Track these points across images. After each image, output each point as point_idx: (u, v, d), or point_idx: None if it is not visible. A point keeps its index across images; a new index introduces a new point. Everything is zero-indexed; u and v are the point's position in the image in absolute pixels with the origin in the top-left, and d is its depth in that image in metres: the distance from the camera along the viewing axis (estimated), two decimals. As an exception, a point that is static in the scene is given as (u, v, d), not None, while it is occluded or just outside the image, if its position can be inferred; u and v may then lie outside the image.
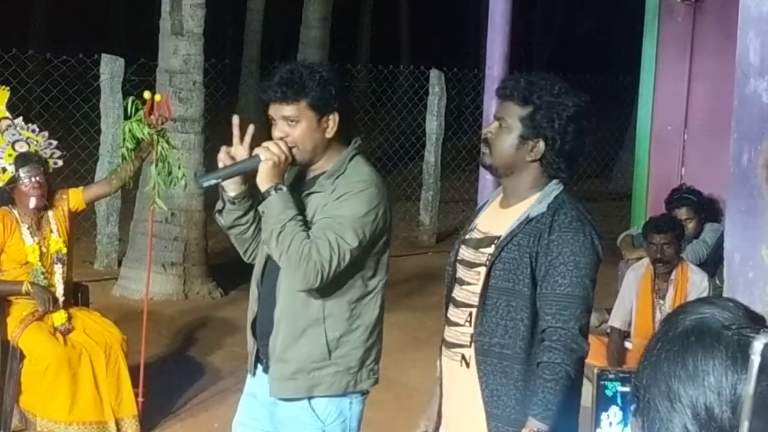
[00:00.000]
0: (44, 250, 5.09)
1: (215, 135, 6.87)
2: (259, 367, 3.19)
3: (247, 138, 3.08)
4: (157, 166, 5.15)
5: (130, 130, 5.10)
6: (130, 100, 5.15)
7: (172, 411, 5.53)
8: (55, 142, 5.34)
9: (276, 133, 3.03)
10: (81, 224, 6.89)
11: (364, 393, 3.15)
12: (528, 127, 2.79)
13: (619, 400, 3.02)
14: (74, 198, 5.22)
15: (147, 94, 5.11)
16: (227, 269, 7.95)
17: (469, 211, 5.66)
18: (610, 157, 13.88)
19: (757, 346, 1.18)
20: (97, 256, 8.77)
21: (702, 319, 1.27)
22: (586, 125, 2.83)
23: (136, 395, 5.13)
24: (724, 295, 2.52)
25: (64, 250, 5.15)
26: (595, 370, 3.13)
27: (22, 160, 5.06)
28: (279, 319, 3.05)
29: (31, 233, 5.08)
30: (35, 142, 5.21)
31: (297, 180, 3.15)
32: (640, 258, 5.89)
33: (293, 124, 3.01)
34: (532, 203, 2.80)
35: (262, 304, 3.15)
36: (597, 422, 3.03)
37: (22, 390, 5.00)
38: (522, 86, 2.80)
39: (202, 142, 8.07)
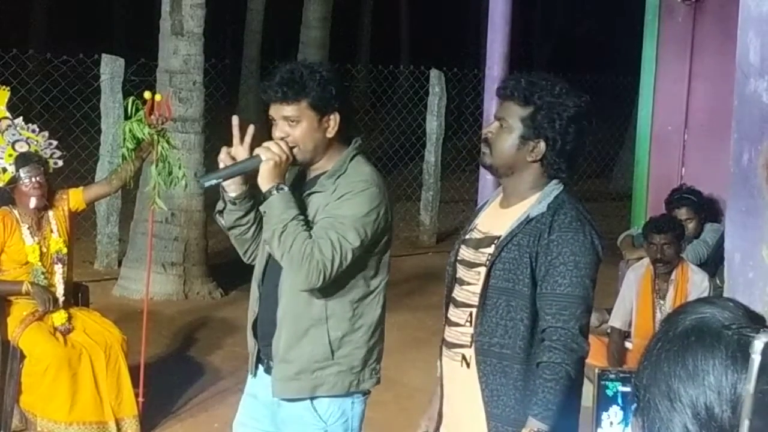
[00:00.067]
0: (44, 250, 5.10)
1: (215, 135, 6.88)
2: (260, 368, 3.19)
3: (247, 138, 3.08)
4: (157, 166, 5.15)
5: (130, 130, 5.10)
6: (130, 100, 5.15)
7: (172, 411, 5.53)
8: (55, 142, 5.34)
9: (277, 133, 3.03)
10: (81, 224, 6.90)
11: (366, 393, 3.16)
12: (529, 128, 2.79)
13: (619, 400, 3.02)
14: (74, 198, 5.23)
15: (147, 94, 5.11)
16: (227, 269, 7.95)
17: (469, 211, 5.66)
18: (610, 157, 13.89)
19: (758, 345, 1.18)
20: (97, 256, 8.78)
21: (702, 319, 1.27)
22: (587, 125, 2.83)
23: (136, 395, 5.13)
24: (725, 295, 2.52)
25: (65, 250, 5.15)
26: (596, 370, 3.13)
27: (22, 160, 5.06)
28: (282, 319, 3.05)
29: (31, 233, 5.08)
30: (35, 142, 5.21)
31: (298, 180, 3.15)
32: (640, 258, 5.89)
33: (294, 124, 3.01)
34: (532, 203, 2.80)
35: (263, 305, 3.15)
36: (598, 422, 3.03)
37: (23, 390, 5.00)
38: (523, 86, 2.80)
39: (202, 142, 8.08)
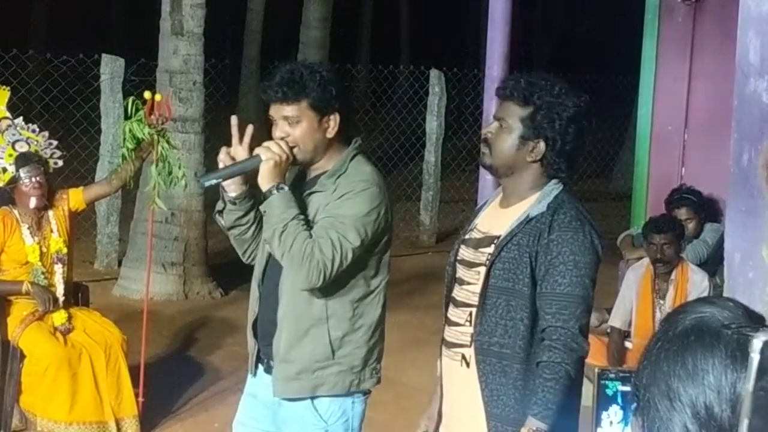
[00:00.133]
0: (44, 249, 5.10)
1: (215, 135, 6.88)
2: (260, 368, 3.19)
3: (247, 138, 3.08)
4: (157, 166, 5.15)
5: (130, 130, 5.11)
6: (130, 100, 5.15)
7: (172, 411, 5.53)
8: (55, 142, 5.34)
9: (277, 132, 3.03)
10: (81, 224, 6.90)
11: (367, 392, 3.16)
12: (528, 128, 2.79)
13: (619, 400, 3.02)
14: (74, 198, 5.23)
15: (147, 94, 5.11)
16: (227, 269, 7.96)
17: (469, 211, 5.66)
18: (610, 157, 13.89)
19: (757, 344, 1.19)
20: (98, 256, 8.78)
21: (701, 319, 1.27)
22: (587, 125, 2.83)
23: (136, 395, 5.13)
24: (725, 294, 2.52)
25: (65, 250, 5.16)
26: (596, 370, 3.13)
27: (22, 160, 5.07)
28: (282, 319, 3.05)
29: (31, 233, 5.08)
30: (35, 142, 5.22)
31: (298, 180, 3.15)
32: (640, 258, 5.89)
33: (294, 124, 3.01)
34: (532, 203, 2.80)
35: (263, 305, 3.15)
36: (598, 421, 3.04)
37: (23, 390, 5.00)
38: (522, 86, 2.80)
39: (202, 142, 8.08)
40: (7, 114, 5.23)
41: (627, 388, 3.02)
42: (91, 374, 4.99)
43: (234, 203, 3.12)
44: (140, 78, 8.81)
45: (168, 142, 5.20)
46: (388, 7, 21.89)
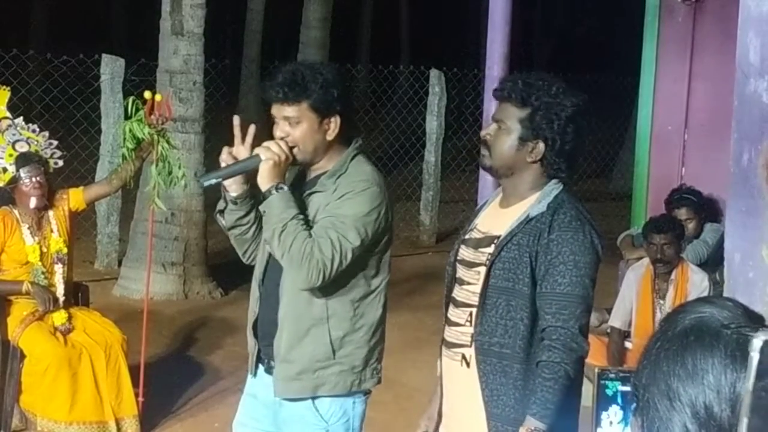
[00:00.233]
0: (44, 249, 5.10)
1: (215, 135, 6.88)
2: (260, 368, 3.19)
3: (249, 138, 3.08)
4: (157, 166, 5.15)
5: (130, 130, 5.11)
6: (130, 100, 5.15)
7: (172, 411, 5.53)
8: (55, 142, 5.34)
9: (277, 132, 3.03)
10: (81, 224, 6.90)
11: (367, 392, 3.16)
12: (527, 129, 2.79)
13: (619, 400, 3.02)
14: (74, 198, 5.23)
15: (147, 94, 5.11)
16: (227, 269, 7.96)
17: (469, 211, 5.66)
18: (610, 157, 13.89)
19: (756, 343, 1.19)
20: (98, 255, 8.78)
21: (701, 318, 1.27)
22: (585, 125, 2.83)
23: (136, 395, 5.14)
24: (725, 294, 2.52)
25: (65, 250, 5.16)
26: (596, 370, 3.13)
27: (22, 160, 5.07)
28: (283, 319, 3.05)
29: (31, 233, 5.08)
30: (36, 142, 5.22)
31: (298, 180, 3.15)
32: (640, 258, 5.89)
33: (294, 125, 3.01)
34: (532, 203, 2.80)
35: (263, 305, 3.15)
36: (597, 422, 3.03)
37: (23, 390, 5.00)
38: (520, 87, 2.80)
39: (203, 142, 8.08)
40: (8, 114, 5.23)
41: (627, 389, 3.02)
42: (91, 374, 4.99)
43: (235, 203, 3.12)
44: (140, 78, 8.82)
45: (168, 142, 5.20)
46: (388, 7, 21.90)
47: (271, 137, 3.03)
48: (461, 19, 22.40)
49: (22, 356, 4.98)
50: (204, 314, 7.55)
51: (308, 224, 2.96)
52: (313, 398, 3.06)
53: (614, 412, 3.03)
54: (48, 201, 5.13)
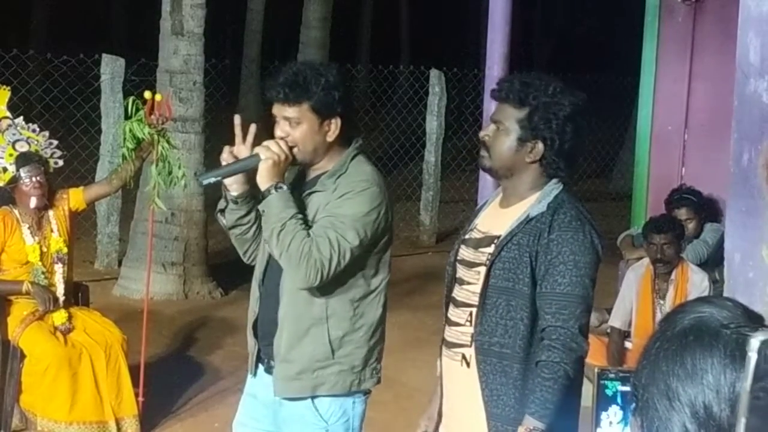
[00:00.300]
0: (45, 249, 5.10)
1: (215, 135, 6.89)
2: (260, 368, 3.19)
3: (250, 137, 3.08)
4: (157, 165, 5.15)
5: (130, 130, 5.11)
6: (130, 100, 5.15)
7: (172, 411, 5.54)
8: (55, 142, 5.34)
9: (277, 132, 3.03)
10: (81, 224, 6.90)
11: (367, 392, 3.16)
12: (525, 129, 2.79)
13: (619, 400, 3.02)
14: (75, 198, 5.23)
15: (147, 94, 5.11)
16: (227, 269, 7.96)
17: (469, 211, 5.66)
18: (610, 157, 13.89)
19: (754, 343, 1.19)
20: (98, 255, 8.78)
21: (700, 318, 1.27)
22: (584, 123, 2.83)
23: (137, 395, 5.14)
24: (725, 294, 2.52)
25: (65, 250, 5.16)
26: (596, 370, 3.13)
27: (22, 159, 5.07)
28: (283, 319, 3.05)
29: (31, 233, 5.08)
30: (36, 142, 5.22)
31: (298, 179, 3.15)
32: (640, 258, 5.89)
33: (294, 126, 3.01)
34: (532, 203, 2.80)
35: (263, 305, 3.15)
36: (597, 422, 3.03)
37: (23, 389, 5.00)
38: (517, 88, 2.80)
39: (203, 142, 8.08)
40: (8, 114, 5.23)
41: (627, 389, 3.02)
42: (92, 374, 5.00)
43: (236, 202, 3.12)
44: (140, 78, 8.82)
45: (168, 142, 5.20)
46: (388, 7, 21.90)
47: (271, 137, 3.03)
48: (461, 19, 22.40)
49: (22, 356, 4.98)
50: (204, 314, 7.55)
51: (307, 224, 2.97)
52: (313, 398, 3.06)
53: (614, 412, 3.03)
54: (48, 201, 5.13)
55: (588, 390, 2.94)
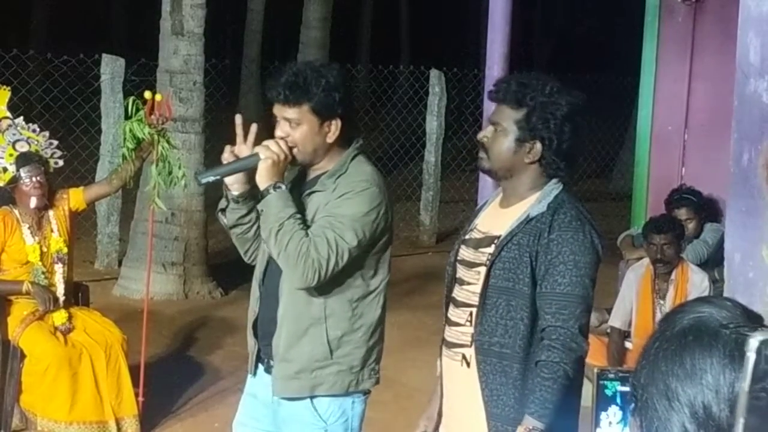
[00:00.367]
0: (45, 249, 5.10)
1: (215, 135, 6.89)
2: (260, 367, 3.19)
3: (251, 137, 3.08)
4: (157, 166, 5.15)
5: (130, 130, 5.11)
6: (130, 100, 5.16)
7: (172, 411, 5.54)
8: (55, 142, 5.35)
9: (277, 132, 3.03)
10: (81, 224, 6.90)
11: (366, 392, 3.16)
12: (524, 130, 2.79)
13: (618, 400, 3.02)
14: (75, 198, 5.23)
15: (147, 94, 5.11)
16: (227, 269, 7.96)
17: (469, 211, 5.66)
18: (610, 157, 13.89)
19: (753, 343, 1.19)
20: (98, 255, 8.78)
21: (700, 318, 1.27)
22: (583, 123, 2.82)
23: (137, 395, 5.14)
24: (725, 294, 2.52)
25: (65, 250, 5.16)
26: (595, 370, 3.13)
27: (22, 159, 5.07)
28: (282, 318, 3.05)
29: (31, 233, 5.08)
30: (36, 142, 5.22)
31: (298, 179, 3.16)
32: (640, 258, 5.89)
33: (295, 126, 3.01)
34: (532, 203, 2.80)
35: (263, 304, 3.15)
36: (597, 422, 3.03)
37: (23, 389, 5.00)
38: (514, 89, 2.80)
39: (203, 142, 8.08)
40: (8, 114, 5.23)
41: (626, 389, 3.02)
42: (92, 374, 5.00)
43: (237, 201, 3.12)
44: (140, 78, 8.82)
45: (168, 142, 5.21)
46: (388, 7, 21.90)
47: (271, 137, 3.03)
48: (461, 19, 22.40)
49: (23, 356, 4.98)
50: (204, 314, 7.55)
51: (306, 224, 2.97)
52: (312, 398, 3.07)
53: (613, 413, 3.03)
54: (48, 201, 5.13)
55: (588, 390, 2.94)
